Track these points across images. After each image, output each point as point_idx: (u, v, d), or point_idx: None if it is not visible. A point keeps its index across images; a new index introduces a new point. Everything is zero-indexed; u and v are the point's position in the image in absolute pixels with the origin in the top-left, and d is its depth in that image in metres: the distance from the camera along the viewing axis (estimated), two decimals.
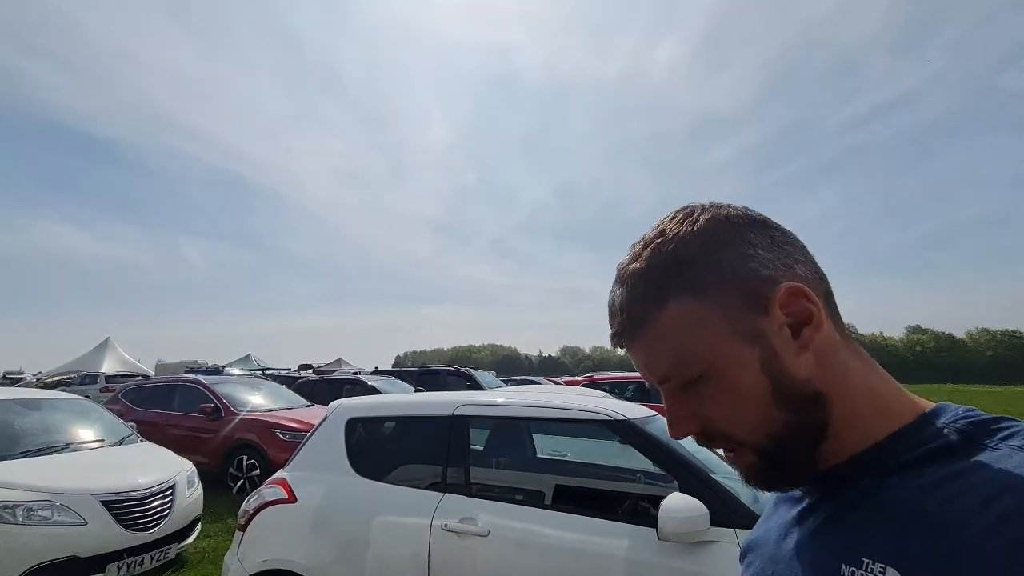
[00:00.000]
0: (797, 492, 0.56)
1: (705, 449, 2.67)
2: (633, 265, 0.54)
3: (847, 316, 0.58)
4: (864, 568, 0.42)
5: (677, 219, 0.54)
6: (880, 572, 0.41)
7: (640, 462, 2.75)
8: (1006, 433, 0.43)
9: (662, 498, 2.02)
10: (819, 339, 0.49)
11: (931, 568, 0.39)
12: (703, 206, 0.54)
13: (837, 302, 0.54)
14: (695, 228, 0.52)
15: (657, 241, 0.53)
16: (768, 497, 0.62)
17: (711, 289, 0.50)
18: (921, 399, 0.50)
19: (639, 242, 0.55)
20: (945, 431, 0.45)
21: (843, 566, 0.44)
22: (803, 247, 0.54)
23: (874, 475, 0.47)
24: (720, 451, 0.54)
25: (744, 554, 0.61)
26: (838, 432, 0.49)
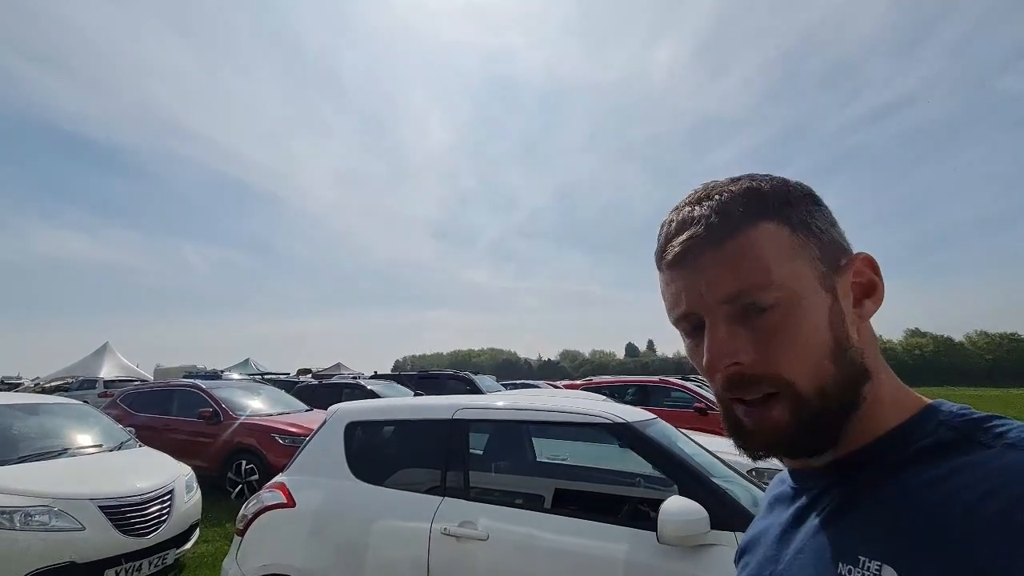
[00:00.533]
0: (790, 491, 0.56)
1: (704, 452, 2.68)
2: (723, 187, 0.53)
3: None
4: (860, 566, 0.42)
5: (763, 175, 0.54)
6: (876, 570, 0.41)
7: (640, 465, 2.75)
8: (999, 431, 0.43)
9: (662, 501, 2.02)
10: (870, 317, 0.51)
11: (926, 564, 0.39)
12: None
13: None
14: (791, 182, 0.53)
15: (749, 179, 0.53)
16: (763, 496, 0.63)
17: (806, 230, 0.50)
18: (918, 395, 0.51)
19: (719, 180, 0.55)
20: (939, 429, 0.46)
21: (840, 564, 0.44)
22: None
23: (871, 472, 0.47)
24: (738, 410, 0.51)
25: (740, 555, 0.61)
26: (859, 415, 0.49)
